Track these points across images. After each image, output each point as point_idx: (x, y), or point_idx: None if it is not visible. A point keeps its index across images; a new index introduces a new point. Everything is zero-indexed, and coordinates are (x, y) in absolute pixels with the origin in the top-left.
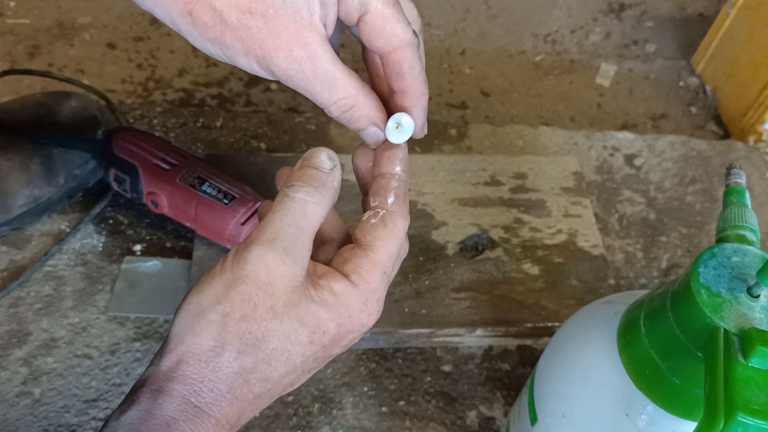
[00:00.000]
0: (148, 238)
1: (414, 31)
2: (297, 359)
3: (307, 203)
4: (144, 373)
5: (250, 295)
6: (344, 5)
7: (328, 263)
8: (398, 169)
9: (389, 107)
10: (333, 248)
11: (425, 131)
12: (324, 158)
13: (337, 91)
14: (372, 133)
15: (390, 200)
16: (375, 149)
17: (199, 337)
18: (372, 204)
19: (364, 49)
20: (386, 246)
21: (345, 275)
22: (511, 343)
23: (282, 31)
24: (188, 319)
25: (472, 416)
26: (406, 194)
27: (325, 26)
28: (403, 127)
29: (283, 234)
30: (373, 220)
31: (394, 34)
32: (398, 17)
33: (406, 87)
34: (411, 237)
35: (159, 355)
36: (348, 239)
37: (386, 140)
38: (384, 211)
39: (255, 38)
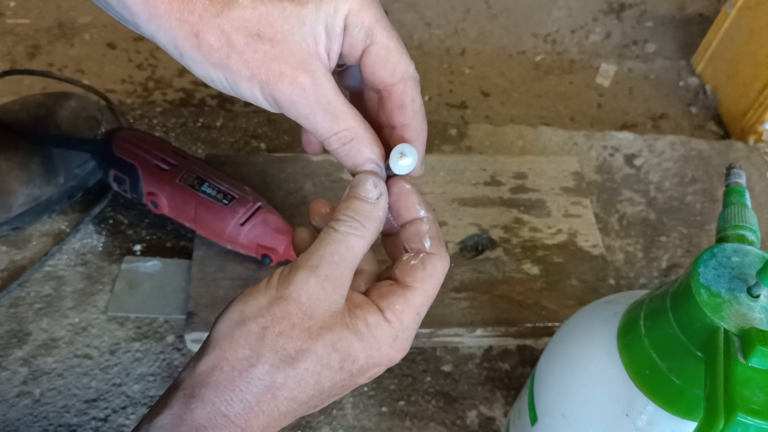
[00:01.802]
0: (148, 238)
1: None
2: (326, 383)
3: (351, 235)
4: (179, 376)
5: (291, 314)
6: (349, 37)
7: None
8: (422, 213)
9: (385, 145)
10: (362, 279)
11: (423, 169)
12: (370, 187)
13: (338, 122)
14: (369, 171)
15: (427, 245)
16: (389, 201)
17: (236, 345)
18: (409, 250)
19: (357, 99)
20: (425, 288)
21: (380, 310)
22: (511, 343)
23: (288, 56)
24: (229, 326)
25: (472, 416)
26: (439, 233)
27: (328, 57)
28: (406, 158)
29: (326, 262)
30: (413, 262)
31: (398, 65)
32: (402, 51)
33: (408, 120)
34: None
35: (196, 358)
36: (377, 274)
37: (390, 178)
38: (424, 253)
39: (261, 62)
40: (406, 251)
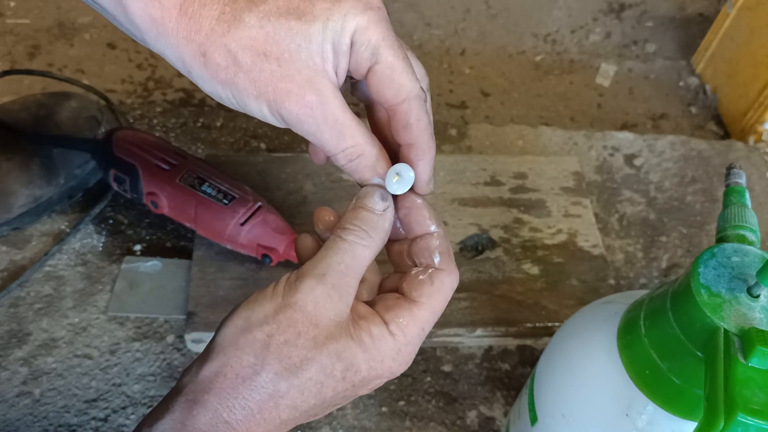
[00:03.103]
0: (148, 238)
1: (421, 87)
2: (328, 393)
3: (357, 245)
4: (180, 381)
5: (296, 322)
6: (355, 55)
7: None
8: (433, 228)
9: (396, 160)
10: (364, 288)
11: (431, 187)
12: (377, 199)
13: (346, 139)
14: (376, 184)
15: (436, 260)
16: (400, 214)
17: (241, 352)
18: (418, 264)
19: (370, 111)
20: (431, 303)
21: (385, 322)
22: (511, 343)
23: (295, 75)
24: (234, 332)
25: (472, 416)
26: (449, 248)
27: (336, 75)
28: (402, 179)
29: (333, 270)
30: (421, 276)
31: (402, 85)
32: (407, 70)
33: (413, 139)
34: None
35: (198, 362)
36: (380, 283)
37: (396, 196)
38: (433, 269)
39: (268, 81)
40: (415, 265)
